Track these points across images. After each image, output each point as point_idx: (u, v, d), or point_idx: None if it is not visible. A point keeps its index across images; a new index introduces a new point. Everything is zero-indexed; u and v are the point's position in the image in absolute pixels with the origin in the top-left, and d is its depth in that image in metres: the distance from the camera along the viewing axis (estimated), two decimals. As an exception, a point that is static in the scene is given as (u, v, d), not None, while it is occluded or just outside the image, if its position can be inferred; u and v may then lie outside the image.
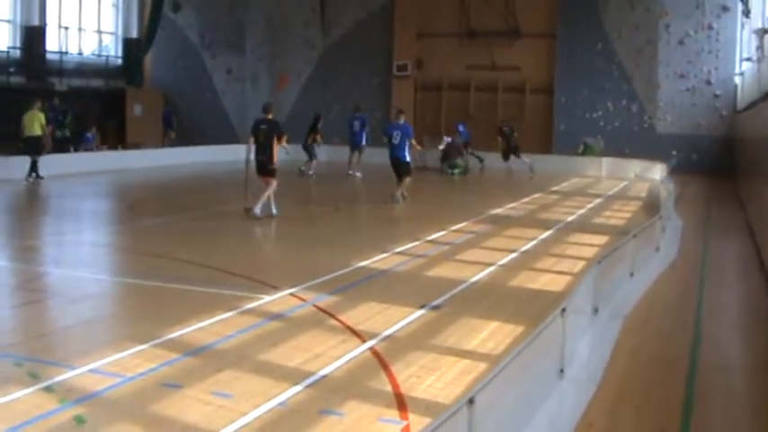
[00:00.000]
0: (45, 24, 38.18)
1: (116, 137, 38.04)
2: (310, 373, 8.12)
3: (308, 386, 7.82)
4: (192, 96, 41.65)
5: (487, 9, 38.27)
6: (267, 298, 11.12)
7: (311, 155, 30.97)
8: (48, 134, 28.24)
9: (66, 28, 40.05)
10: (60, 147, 33.18)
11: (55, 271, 13.53)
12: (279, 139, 18.90)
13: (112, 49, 43.07)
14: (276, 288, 11.64)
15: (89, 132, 35.39)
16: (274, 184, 18.94)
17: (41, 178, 26.92)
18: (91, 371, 8.01)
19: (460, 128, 32.69)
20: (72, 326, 10.05)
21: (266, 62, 42.48)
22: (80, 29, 41.13)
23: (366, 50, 40.73)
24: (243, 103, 41.33)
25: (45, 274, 13.22)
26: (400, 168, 22.59)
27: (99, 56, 42.17)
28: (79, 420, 6.84)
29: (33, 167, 27.02)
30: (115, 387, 7.66)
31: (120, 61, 43.07)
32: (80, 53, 41.19)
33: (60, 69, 38.49)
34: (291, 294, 11.37)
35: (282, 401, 7.42)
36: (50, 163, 27.93)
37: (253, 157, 18.92)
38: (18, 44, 37.46)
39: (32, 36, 37.66)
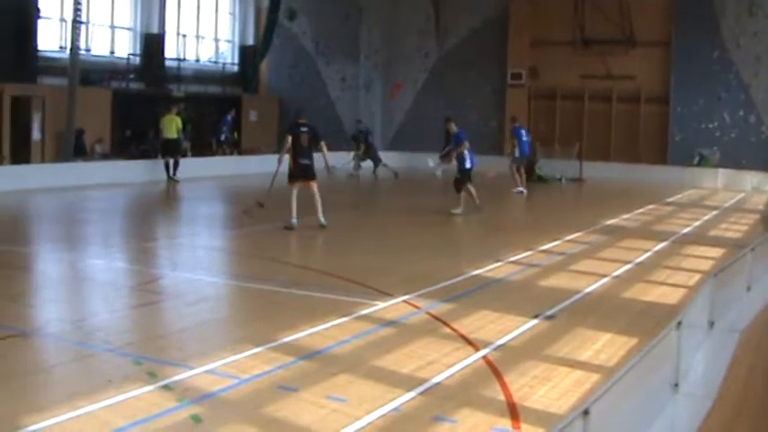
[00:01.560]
0: (164, 32, 38.91)
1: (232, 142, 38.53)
2: (424, 380, 8.12)
3: (421, 393, 7.81)
4: (307, 103, 41.77)
5: (602, 17, 37.76)
6: (381, 304, 11.16)
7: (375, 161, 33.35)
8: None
9: (185, 35, 40.77)
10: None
11: (172, 273, 13.80)
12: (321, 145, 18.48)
13: (229, 56, 43.69)
14: (390, 295, 11.66)
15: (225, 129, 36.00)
16: (315, 185, 18.39)
17: (176, 181, 27.70)
18: (207, 371, 8.14)
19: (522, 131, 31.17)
20: (189, 327, 10.24)
21: (380, 70, 42.62)
22: (198, 36, 41.83)
23: (480, 58, 40.54)
24: (356, 110, 41.51)
25: (162, 277, 13.49)
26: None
27: (216, 63, 42.84)
28: (196, 420, 6.94)
29: (174, 168, 27.88)
30: (231, 388, 7.76)
31: (236, 68, 43.65)
32: (197, 60, 41.90)
33: (178, 76, 39.19)
34: (405, 301, 11.39)
35: (396, 407, 7.43)
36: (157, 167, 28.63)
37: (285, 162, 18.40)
38: (138, 51, 38.26)
39: (152, 43, 38.42)
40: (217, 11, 42.71)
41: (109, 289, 12.71)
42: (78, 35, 30.94)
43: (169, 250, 16.81)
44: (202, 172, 30.85)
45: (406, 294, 11.68)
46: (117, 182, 27.62)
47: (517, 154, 27.80)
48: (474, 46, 40.65)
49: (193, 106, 37.71)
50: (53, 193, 25.00)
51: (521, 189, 27.49)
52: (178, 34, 40.33)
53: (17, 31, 31.78)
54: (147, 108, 33.76)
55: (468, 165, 21.22)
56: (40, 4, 33.31)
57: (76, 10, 30.47)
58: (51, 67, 33.09)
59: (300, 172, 18.18)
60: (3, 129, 30.18)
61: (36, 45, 33.12)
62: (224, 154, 35.73)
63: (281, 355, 8.73)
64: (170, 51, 39.55)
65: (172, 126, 29.14)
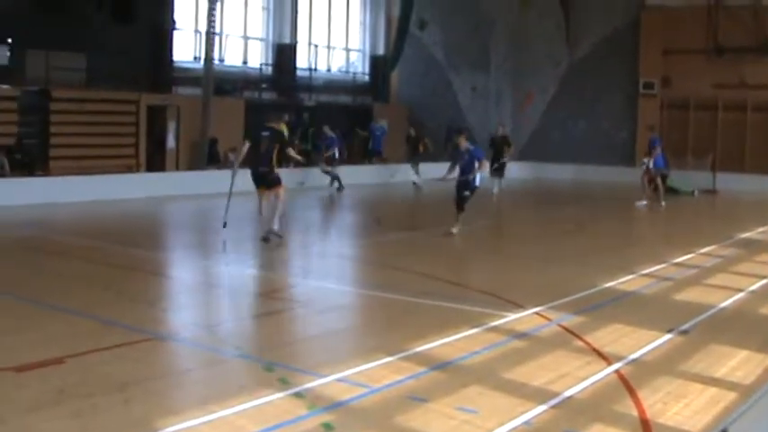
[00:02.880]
0: (296, 42, 39.41)
1: (361, 152, 38.74)
2: (555, 394, 8.00)
3: (552, 406, 7.69)
4: (437, 113, 41.85)
5: (736, 24, 36.87)
6: (512, 316, 11.06)
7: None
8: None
9: (316, 45, 41.22)
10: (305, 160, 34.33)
11: (302, 281, 13.94)
12: (282, 149, 17.69)
13: (360, 66, 44.01)
14: (521, 306, 11.55)
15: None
16: (283, 194, 17.56)
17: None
18: (338, 380, 8.16)
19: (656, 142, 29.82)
20: (320, 335, 10.31)
21: (510, 79, 42.39)
22: (329, 46, 42.26)
23: (611, 67, 39.94)
24: (486, 120, 41.29)
25: (293, 285, 13.64)
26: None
27: (347, 72, 43.19)
28: (327, 428, 6.96)
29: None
30: (362, 397, 7.77)
31: (366, 78, 43.95)
32: (328, 70, 42.32)
33: (309, 86, 39.64)
34: (536, 313, 11.26)
35: (527, 420, 7.33)
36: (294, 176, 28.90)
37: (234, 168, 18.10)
38: (270, 61, 38.86)
39: (284, 53, 38.95)
40: (348, 21, 43.07)
41: (241, 296, 12.94)
42: (212, 46, 31.58)
43: (300, 258, 17.00)
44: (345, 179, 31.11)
45: (537, 306, 11.56)
46: (249, 190, 27.94)
47: (651, 165, 27.14)
48: (604, 54, 40.08)
49: (324, 116, 38.06)
50: (187, 201, 25.51)
51: (644, 203, 26.87)
52: (310, 44, 40.79)
53: (154, 43, 32.59)
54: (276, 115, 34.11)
55: (477, 183, 18.76)
56: (176, 17, 34.07)
57: (210, 22, 31.10)
58: (186, 77, 33.80)
59: (257, 180, 17.65)
60: (139, 137, 30.92)
61: (172, 56, 33.90)
62: (370, 163, 36.08)
63: (412, 365, 8.71)
64: (302, 61, 40.03)
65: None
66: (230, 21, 36.97)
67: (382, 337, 10.12)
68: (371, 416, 7.35)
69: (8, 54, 27.69)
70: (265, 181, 17.42)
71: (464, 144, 18.69)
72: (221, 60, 35.56)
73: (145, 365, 8.84)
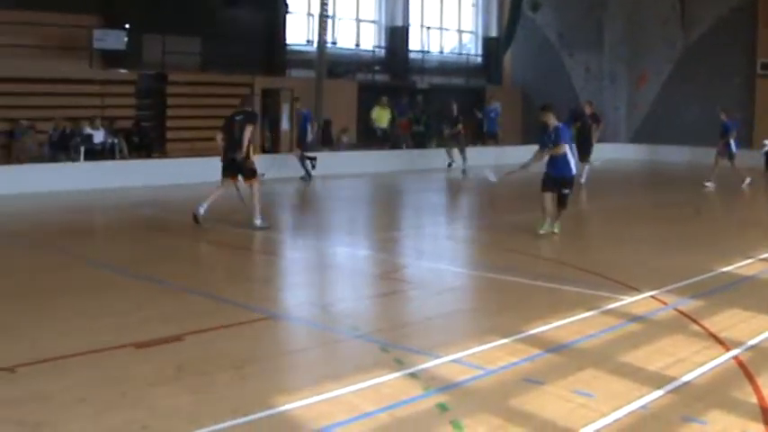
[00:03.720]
0: (408, 25, 39.45)
1: (474, 134, 38.58)
2: (672, 379, 7.85)
3: (669, 391, 7.56)
4: (550, 95, 41.09)
5: None
6: (628, 299, 10.90)
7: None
8: (401, 126, 29.56)
9: (428, 28, 41.19)
10: (419, 142, 34.38)
11: (416, 262, 13.96)
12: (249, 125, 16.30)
13: (472, 48, 43.84)
14: (636, 290, 11.38)
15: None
16: (257, 185, 16.64)
17: None
18: (453, 361, 8.14)
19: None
20: (434, 316, 10.30)
21: (625, 60, 41.67)
22: (441, 28, 42.18)
23: (727, 48, 38.90)
24: (600, 102, 40.72)
25: (407, 266, 13.66)
26: None
27: (459, 54, 43.05)
28: (442, 408, 6.95)
29: None
30: (477, 378, 7.74)
31: (479, 60, 43.76)
32: (441, 52, 42.26)
33: (422, 68, 39.62)
34: (652, 297, 11.07)
35: (644, 405, 7.21)
36: (406, 157, 28.95)
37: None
38: (383, 44, 38.98)
39: (396, 36, 39.03)
40: (460, 3, 42.94)
41: (355, 276, 13.02)
42: (325, 29, 31.81)
43: (413, 239, 17.04)
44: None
45: (652, 290, 11.36)
46: (362, 171, 28.20)
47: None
48: (721, 35, 39.06)
49: (437, 98, 38.03)
50: (300, 182, 25.73)
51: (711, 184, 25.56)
52: (422, 26, 40.78)
53: (267, 27, 32.96)
54: (392, 100, 34.17)
55: (573, 170, 16.18)
56: (289, 0, 34.35)
57: (323, 5, 31.35)
58: (299, 60, 34.14)
59: (229, 168, 16.56)
60: (254, 120, 31.28)
61: (285, 39, 34.23)
62: (484, 144, 35.85)
63: (528, 347, 8.65)
64: (414, 44, 40.04)
65: (382, 116, 29.75)
66: (343, 4, 37.18)
67: (497, 318, 10.07)
68: (487, 398, 7.32)
69: (125, 39, 28.29)
70: (240, 169, 16.38)
71: (553, 121, 15.85)
72: (334, 43, 35.83)
73: (261, 344, 8.99)
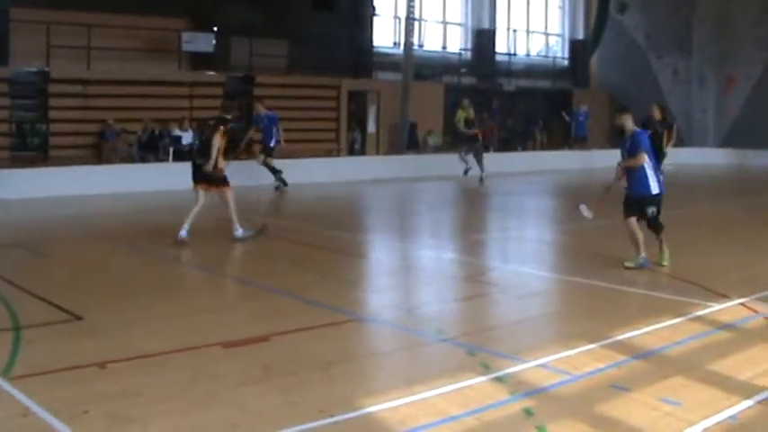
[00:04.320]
0: (494, 27, 39.39)
1: (561, 137, 38.35)
2: (762, 389, 7.70)
3: (760, 402, 7.42)
4: (637, 98, 40.77)
5: None
6: (717, 306, 10.73)
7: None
8: (483, 131, 29.45)
9: (515, 30, 41.06)
10: (504, 145, 34.33)
11: (502, 266, 13.93)
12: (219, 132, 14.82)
13: (559, 51, 43.59)
14: (726, 297, 11.19)
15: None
16: (230, 195, 15.24)
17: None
18: (540, 365, 8.12)
19: None
20: (520, 320, 10.28)
21: (714, 63, 41.03)
22: (528, 31, 42.02)
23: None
24: (688, 105, 40.26)
25: (493, 269, 13.64)
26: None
27: (546, 57, 42.84)
28: (528, 413, 6.93)
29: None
30: (563, 384, 7.71)
31: (566, 62, 43.49)
32: (527, 54, 42.09)
33: (508, 70, 39.52)
34: (742, 304, 10.89)
35: (733, 415, 7.10)
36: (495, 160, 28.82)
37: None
38: (469, 46, 38.96)
39: (483, 38, 38.99)
40: (546, 5, 42.76)
41: (440, 279, 13.03)
42: (412, 31, 31.87)
43: (499, 242, 17.00)
44: (527, 166, 30.93)
45: (743, 297, 11.17)
46: (448, 174, 28.19)
47: None
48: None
49: (523, 100, 37.93)
50: (386, 184, 25.83)
51: None
52: (508, 29, 40.67)
53: (354, 29, 33.10)
54: (478, 102, 34.09)
55: (654, 189, 13.04)
56: (376, 3, 34.51)
57: (410, 7, 31.39)
58: (386, 62, 34.26)
59: (195, 174, 15.33)
60: (340, 122, 31.51)
61: (372, 42, 34.37)
62: (571, 148, 35.51)
63: (614, 353, 8.58)
64: (501, 46, 39.94)
65: (460, 119, 29.75)
66: (429, 6, 37.23)
67: (583, 323, 10.00)
68: (573, 403, 7.29)
69: (214, 42, 28.66)
70: (205, 176, 15.06)
71: (630, 125, 13.27)
72: (420, 46, 35.92)
73: (347, 345, 9.05)
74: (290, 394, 7.31)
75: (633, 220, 13.03)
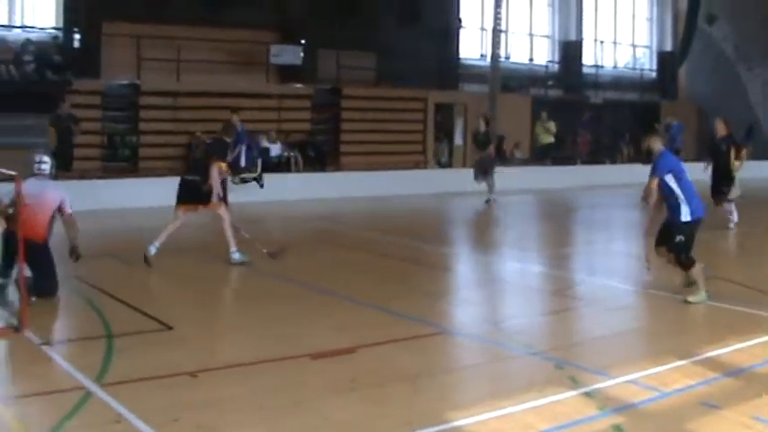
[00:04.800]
0: (581, 39, 39.10)
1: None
2: None
3: None
4: (726, 110, 40.12)
5: None
6: (810, 323, 10.54)
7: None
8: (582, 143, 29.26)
9: (602, 42, 40.73)
10: (591, 158, 34.10)
11: (589, 279, 13.80)
12: (216, 161, 14.19)
13: (646, 63, 43.12)
14: (820, 313, 10.99)
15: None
16: (225, 214, 14.44)
17: None
18: (629, 381, 8.02)
19: None
20: (608, 335, 10.16)
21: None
22: (615, 42, 41.65)
23: None
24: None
25: (579, 283, 13.54)
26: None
27: (633, 69, 42.41)
28: (617, 430, 6.86)
29: None
30: (652, 400, 7.61)
31: (654, 74, 42.99)
32: (615, 66, 41.70)
33: (596, 82, 39.20)
34: (836, 322, 10.68)
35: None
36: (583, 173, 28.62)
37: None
38: (556, 58, 38.75)
39: (570, 50, 38.73)
40: (634, 17, 42.33)
41: (527, 292, 12.96)
42: (498, 44, 31.80)
43: (586, 256, 16.88)
44: (615, 179, 30.66)
45: (838, 314, 10.96)
46: (535, 187, 28.07)
47: None
48: None
49: (610, 113, 37.58)
50: (473, 197, 25.77)
51: None
52: (595, 41, 40.36)
53: (440, 41, 33.11)
54: (566, 115, 33.89)
55: (684, 215, 11.62)
56: (462, 15, 34.52)
57: (496, 19, 31.34)
58: (472, 74, 34.22)
59: (184, 192, 14.40)
60: (427, 134, 31.55)
61: (458, 54, 34.37)
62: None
63: (704, 370, 8.45)
64: (588, 58, 39.65)
65: (541, 132, 29.70)
66: (516, 18, 37.12)
67: (673, 339, 9.85)
68: (662, 420, 7.19)
69: (302, 54, 28.89)
70: (195, 194, 14.17)
71: (657, 147, 12.00)
72: (507, 58, 35.81)
73: (434, 358, 9.05)
74: (375, 406, 7.34)
75: (662, 250, 12.02)
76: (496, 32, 31.82)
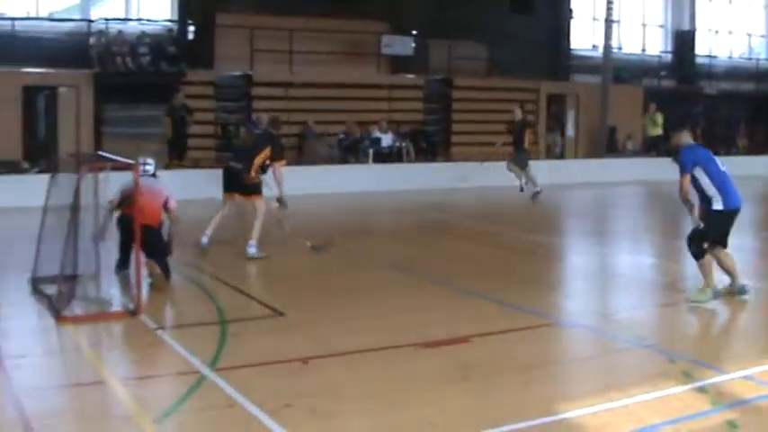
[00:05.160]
0: (695, 28, 38.39)
1: (766, 142, 37.03)
2: None
3: None
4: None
5: None
6: None
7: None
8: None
9: (716, 31, 39.93)
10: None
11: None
12: (272, 159, 14.00)
13: (763, 52, 42.12)
14: None
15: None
16: (263, 208, 14.00)
17: None
18: (744, 377, 7.89)
19: None
20: (722, 329, 10.14)
21: None
22: (730, 32, 40.79)
23: None
24: None
25: (693, 276, 13.31)
26: None
27: (749, 59, 41.47)
28: (732, 426, 6.76)
29: None
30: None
31: (770, 64, 42.04)
32: (729, 56, 40.84)
33: (709, 73, 38.46)
34: None
35: None
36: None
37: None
38: (669, 48, 38.12)
39: (683, 40, 38.06)
40: (749, 5, 41.35)
41: (639, 284, 12.81)
42: (610, 34, 31.42)
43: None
44: (748, 170, 29.99)
45: None
46: (647, 179, 27.67)
47: None
48: None
49: (725, 104, 36.85)
50: (585, 188, 25.58)
51: None
52: (709, 30, 39.57)
53: (552, 32, 32.91)
54: (678, 106, 33.33)
55: (716, 204, 10.99)
56: (574, 6, 34.21)
57: (609, 9, 30.95)
58: (584, 65, 33.91)
59: (229, 180, 14.21)
60: (539, 125, 31.39)
61: (570, 44, 34.09)
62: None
63: (824, 367, 8.28)
64: (701, 48, 38.91)
65: (650, 124, 29.18)
66: (628, 8, 36.62)
67: (790, 335, 9.69)
68: (778, 416, 7.08)
69: (413, 45, 28.92)
70: (240, 185, 14.00)
71: (684, 141, 11.53)
72: (619, 48, 35.35)
73: (545, 349, 9.05)
74: (487, 395, 7.37)
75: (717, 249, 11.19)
76: (609, 22, 31.42)
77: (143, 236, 10.30)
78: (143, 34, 25.68)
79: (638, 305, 11.41)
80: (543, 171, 26.89)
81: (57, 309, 9.92)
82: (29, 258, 11.58)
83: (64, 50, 25.07)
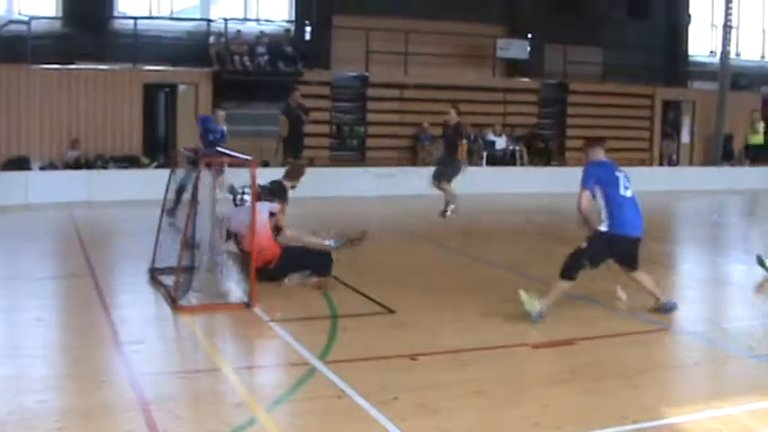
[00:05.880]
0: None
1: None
2: None
3: None
4: None
5: None
6: None
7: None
8: None
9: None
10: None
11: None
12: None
13: None
14: None
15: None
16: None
17: None
18: None
19: None
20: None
21: None
22: None
23: None
24: None
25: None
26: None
27: None
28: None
29: None
30: None
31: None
32: None
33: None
34: None
35: None
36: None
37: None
38: (791, 55, 37.38)
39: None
40: None
41: (752, 294, 12.63)
42: (729, 40, 30.94)
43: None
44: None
45: None
46: (764, 187, 27.17)
47: None
48: None
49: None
50: (700, 196, 25.25)
51: None
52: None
53: (669, 38, 32.55)
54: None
55: (603, 226, 10.74)
56: (692, 11, 33.76)
57: (727, 15, 30.49)
58: (701, 71, 33.41)
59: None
60: (653, 131, 31.11)
61: (687, 50, 33.66)
62: None
63: None
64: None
65: (753, 130, 28.63)
66: (748, 14, 35.94)
67: None
68: None
69: (528, 49, 28.92)
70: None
71: (592, 157, 11.57)
72: (738, 55, 34.72)
73: (653, 354, 9.02)
74: (593, 397, 7.41)
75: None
76: (727, 28, 30.94)
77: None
78: (261, 34, 26.19)
79: (750, 315, 11.26)
80: (657, 178, 26.68)
81: (173, 298, 10.26)
82: (148, 249, 11.97)
83: (184, 49, 25.73)
